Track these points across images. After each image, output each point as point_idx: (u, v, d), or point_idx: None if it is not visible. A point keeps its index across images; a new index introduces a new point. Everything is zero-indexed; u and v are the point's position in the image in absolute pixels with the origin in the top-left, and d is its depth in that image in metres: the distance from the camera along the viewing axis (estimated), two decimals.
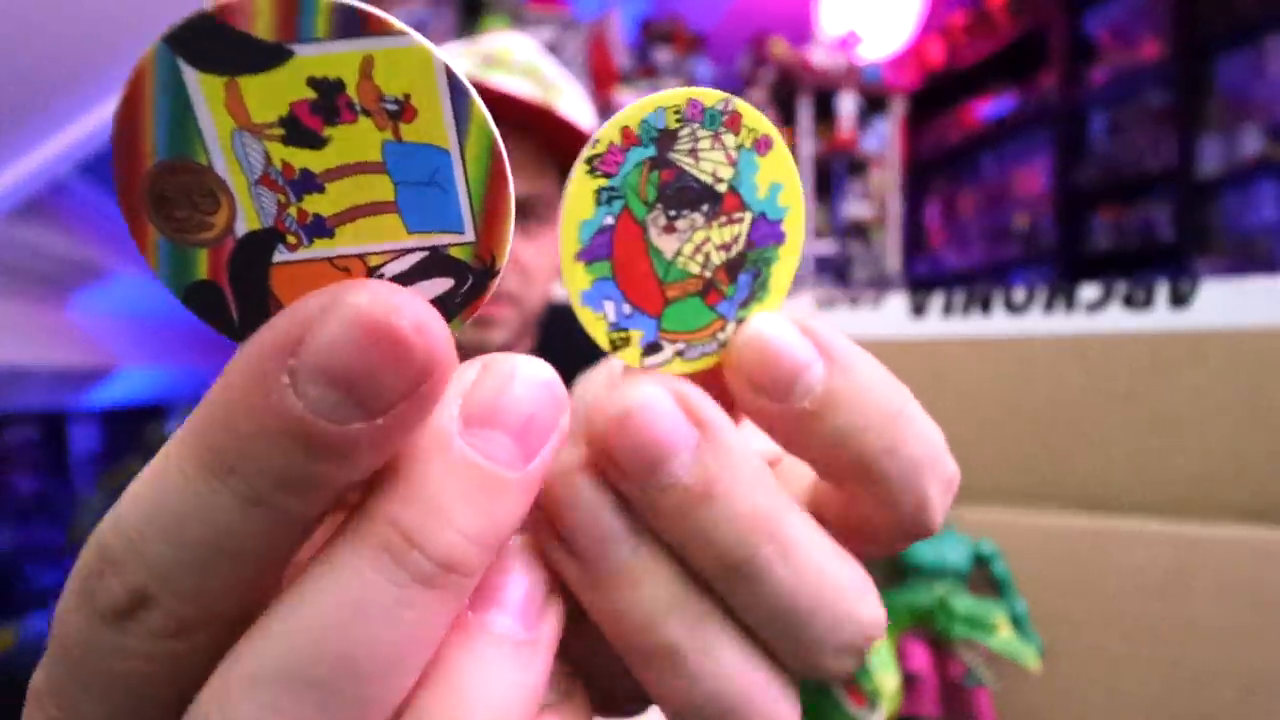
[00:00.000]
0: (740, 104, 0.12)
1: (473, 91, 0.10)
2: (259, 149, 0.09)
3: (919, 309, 0.40)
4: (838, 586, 0.12)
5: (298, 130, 0.09)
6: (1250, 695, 0.35)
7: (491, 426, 0.10)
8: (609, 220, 0.12)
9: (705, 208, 0.12)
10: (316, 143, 0.09)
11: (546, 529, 0.12)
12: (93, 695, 0.10)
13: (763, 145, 0.12)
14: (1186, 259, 2.18)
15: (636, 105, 0.12)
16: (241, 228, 0.10)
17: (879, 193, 2.36)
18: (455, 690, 0.10)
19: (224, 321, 0.10)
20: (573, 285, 0.12)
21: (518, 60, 0.62)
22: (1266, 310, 0.34)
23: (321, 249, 0.10)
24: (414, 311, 0.09)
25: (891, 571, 0.40)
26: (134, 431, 1.60)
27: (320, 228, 0.10)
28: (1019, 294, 0.38)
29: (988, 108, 3.00)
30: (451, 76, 0.09)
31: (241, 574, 0.10)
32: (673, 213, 0.12)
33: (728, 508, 0.11)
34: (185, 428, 0.10)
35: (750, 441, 0.12)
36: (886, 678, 0.31)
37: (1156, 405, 0.36)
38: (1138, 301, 0.36)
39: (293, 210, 0.10)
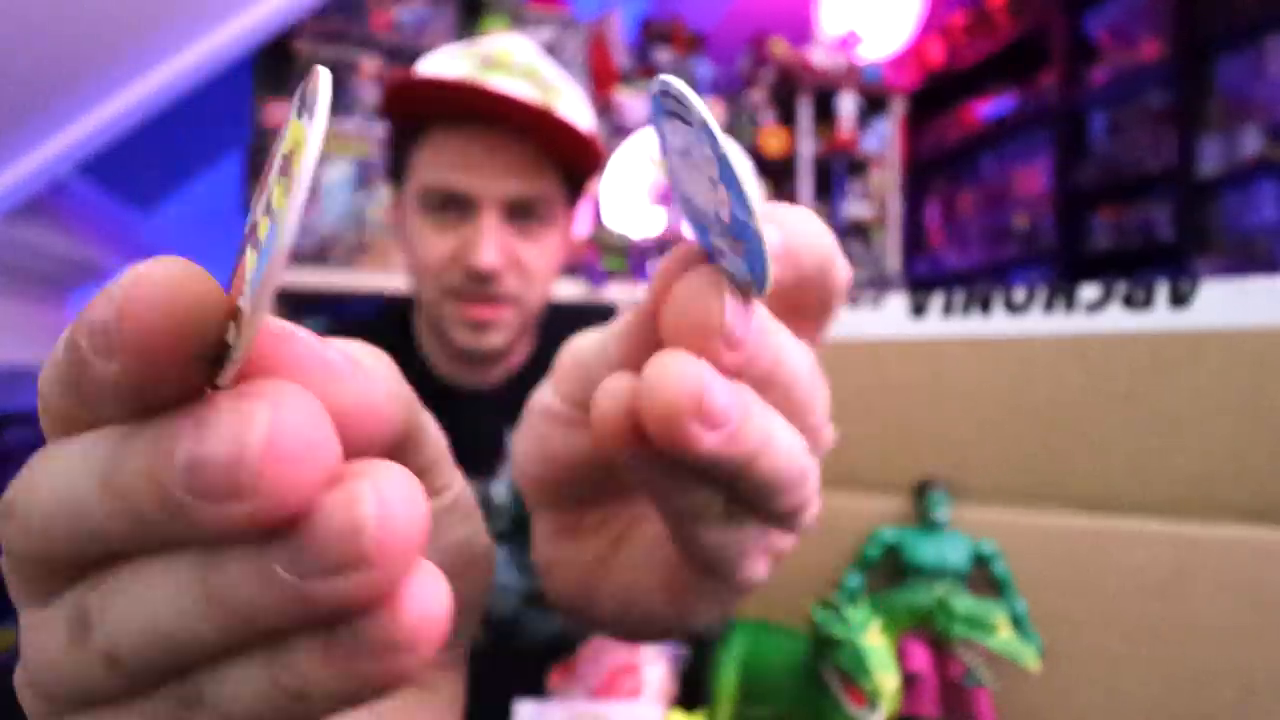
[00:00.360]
0: None
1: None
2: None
3: (919, 309, 0.40)
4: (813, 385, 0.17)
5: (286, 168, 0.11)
6: (1250, 695, 0.35)
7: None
8: None
9: None
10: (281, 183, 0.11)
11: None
12: None
13: None
14: (1186, 259, 2.18)
15: None
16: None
17: (879, 193, 2.36)
18: None
19: None
20: None
21: (517, 62, 0.63)
22: (1266, 310, 0.34)
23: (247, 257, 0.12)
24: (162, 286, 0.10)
25: (891, 571, 0.40)
26: None
27: (254, 240, 0.11)
28: (1019, 294, 0.38)
29: (988, 108, 3.00)
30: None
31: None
32: None
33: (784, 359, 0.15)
34: None
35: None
36: (886, 678, 0.31)
37: (1156, 405, 0.36)
38: (1138, 301, 0.36)
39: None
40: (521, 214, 0.61)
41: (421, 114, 0.61)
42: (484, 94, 0.57)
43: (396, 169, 0.64)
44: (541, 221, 0.62)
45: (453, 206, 0.60)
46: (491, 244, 0.59)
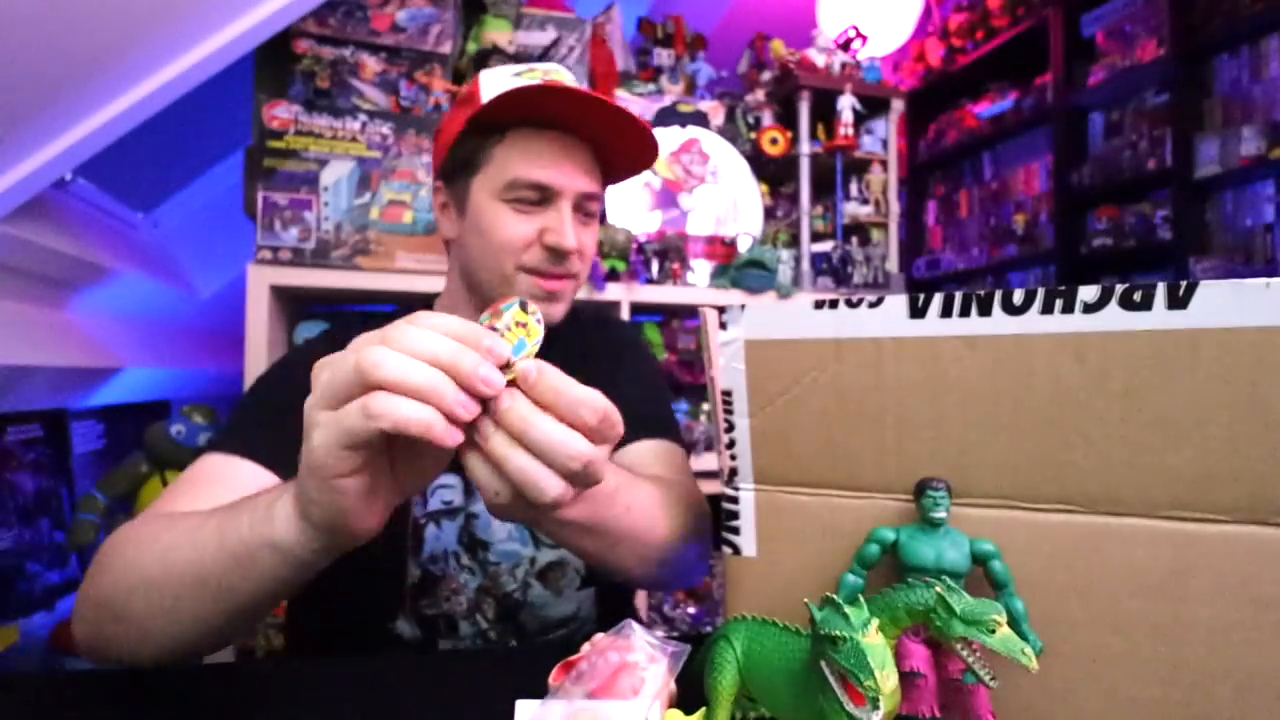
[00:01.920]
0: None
1: (541, 331, 0.37)
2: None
3: (919, 309, 0.40)
4: (565, 434, 0.36)
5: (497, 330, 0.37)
6: (1249, 695, 0.35)
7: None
8: None
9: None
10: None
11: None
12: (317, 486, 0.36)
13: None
14: (1184, 259, 2.18)
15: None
16: None
17: (879, 193, 2.35)
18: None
19: None
20: None
21: (569, 81, 0.73)
22: (1265, 310, 0.34)
23: None
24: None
25: (891, 571, 0.40)
26: (135, 431, 1.60)
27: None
28: (1018, 294, 0.38)
29: (987, 108, 3.00)
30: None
31: None
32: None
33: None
34: None
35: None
36: (886, 676, 0.31)
37: (1156, 405, 0.36)
38: (1136, 302, 0.36)
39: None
40: (584, 207, 0.74)
41: (505, 118, 0.71)
42: (604, 102, 0.67)
43: (461, 164, 0.74)
44: (594, 215, 0.76)
45: (537, 196, 0.72)
46: (571, 229, 0.71)
